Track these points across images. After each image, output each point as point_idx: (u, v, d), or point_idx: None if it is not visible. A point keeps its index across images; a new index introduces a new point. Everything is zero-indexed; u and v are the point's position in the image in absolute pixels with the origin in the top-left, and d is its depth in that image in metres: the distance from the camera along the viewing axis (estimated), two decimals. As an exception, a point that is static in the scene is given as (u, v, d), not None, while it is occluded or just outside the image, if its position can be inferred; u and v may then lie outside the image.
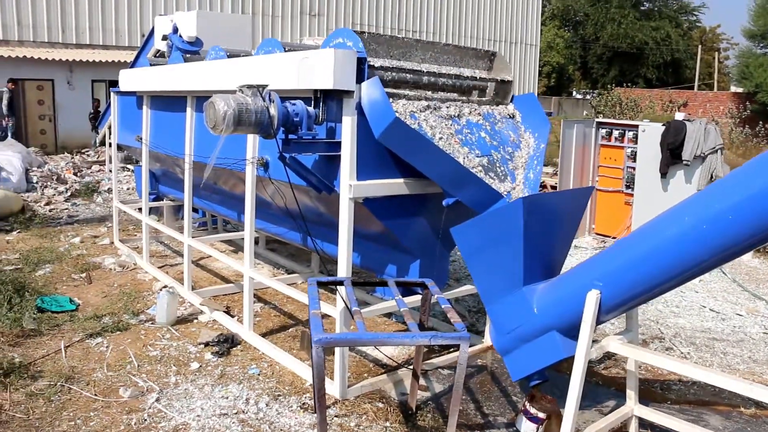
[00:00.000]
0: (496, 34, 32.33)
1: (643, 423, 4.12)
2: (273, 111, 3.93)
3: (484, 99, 5.09)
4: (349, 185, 4.17)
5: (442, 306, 3.66)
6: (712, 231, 3.06)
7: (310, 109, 4.18)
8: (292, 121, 4.06)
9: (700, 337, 6.07)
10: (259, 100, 3.90)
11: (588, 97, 44.29)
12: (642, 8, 52.55)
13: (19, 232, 9.18)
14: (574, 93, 55.09)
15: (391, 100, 4.28)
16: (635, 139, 8.90)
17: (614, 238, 9.01)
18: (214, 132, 3.87)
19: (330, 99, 4.23)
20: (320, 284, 4.06)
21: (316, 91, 4.21)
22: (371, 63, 4.24)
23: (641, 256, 3.38)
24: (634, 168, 8.95)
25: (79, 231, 9.40)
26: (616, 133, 9.26)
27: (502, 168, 4.58)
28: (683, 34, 53.06)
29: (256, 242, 8.65)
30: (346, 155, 4.15)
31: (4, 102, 16.77)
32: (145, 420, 4.06)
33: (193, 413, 4.16)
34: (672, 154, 8.22)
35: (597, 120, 9.57)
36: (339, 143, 4.21)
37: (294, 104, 4.10)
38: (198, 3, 22.90)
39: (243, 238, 7.92)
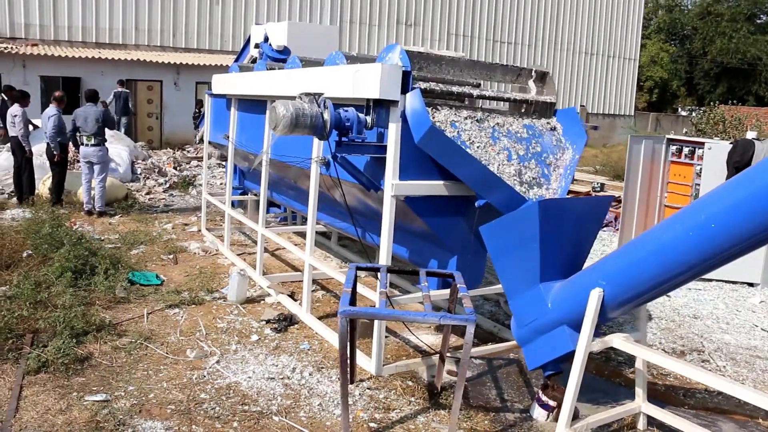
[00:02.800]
0: (593, 47, 31.96)
1: (656, 423, 4.40)
2: (326, 116, 4.53)
3: (527, 113, 5.50)
4: (392, 184, 4.72)
5: (461, 294, 4.13)
6: (697, 238, 3.38)
7: (361, 115, 4.75)
8: (343, 125, 4.65)
9: (743, 354, 6.17)
10: (314, 106, 4.52)
11: (694, 114, 42.91)
12: (758, 21, 50.14)
13: (120, 216, 10.31)
14: (680, 110, 53.21)
15: (435, 110, 4.80)
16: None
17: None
18: (275, 132, 4.51)
19: (379, 107, 4.78)
20: (361, 269, 4.63)
21: (367, 99, 4.77)
22: (415, 76, 4.77)
23: (640, 258, 3.72)
24: (702, 186, 8.98)
25: (172, 218, 10.43)
26: (686, 150, 9.31)
27: (536, 176, 4.98)
28: (804, 50, 50.13)
29: (329, 238, 9.34)
30: (390, 157, 4.69)
31: (121, 103, 18.32)
32: (204, 376, 4.76)
33: (245, 375, 4.82)
34: (738, 173, 8.21)
35: (667, 137, 9.64)
36: (386, 147, 4.76)
37: (346, 111, 4.69)
38: (299, 12, 24.17)
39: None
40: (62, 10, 20.60)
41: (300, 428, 4.11)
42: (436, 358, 5.30)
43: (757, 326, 6.99)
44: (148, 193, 12.59)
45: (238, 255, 8.39)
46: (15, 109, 10.46)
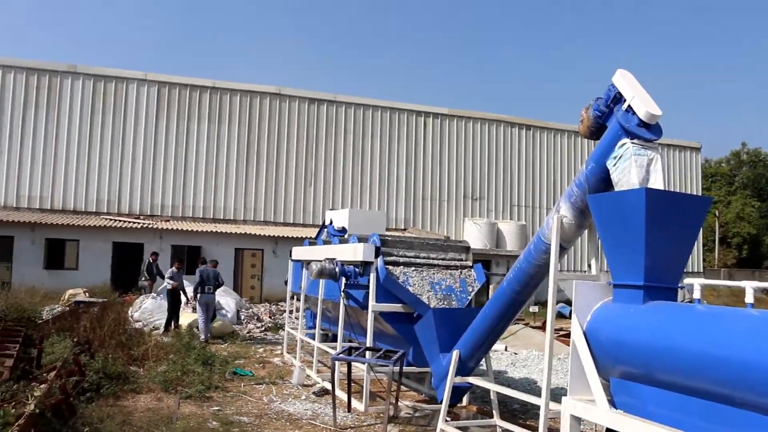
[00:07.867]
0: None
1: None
2: (337, 269, 9.44)
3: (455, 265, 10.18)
4: (371, 304, 9.43)
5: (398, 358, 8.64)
6: (494, 308, 7.83)
7: (357, 268, 9.61)
8: (346, 273, 9.53)
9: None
10: (331, 264, 9.45)
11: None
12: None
13: (227, 344, 15.41)
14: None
15: (394, 266, 9.60)
16: None
17: None
18: (311, 277, 9.42)
19: (366, 265, 9.63)
20: (353, 348, 9.26)
21: (360, 261, 9.64)
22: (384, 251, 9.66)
23: (475, 327, 8.14)
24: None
25: (264, 346, 15.40)
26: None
27: (454, 298, 9.55)
28: None
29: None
30: (371, 290, 9.45)
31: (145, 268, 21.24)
32: (271, 407, 9.37)
33: (293, 407, 9.38)
34: None
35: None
36: (368, 285, 9.54)
37: (349, 267, 9.58)
38: (377, 196, 30.19)
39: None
40: (189, 192, 27.62)
41: (317, 423, 8.60)
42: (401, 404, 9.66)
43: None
44: (248, 332, 17.75)
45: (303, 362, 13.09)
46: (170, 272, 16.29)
